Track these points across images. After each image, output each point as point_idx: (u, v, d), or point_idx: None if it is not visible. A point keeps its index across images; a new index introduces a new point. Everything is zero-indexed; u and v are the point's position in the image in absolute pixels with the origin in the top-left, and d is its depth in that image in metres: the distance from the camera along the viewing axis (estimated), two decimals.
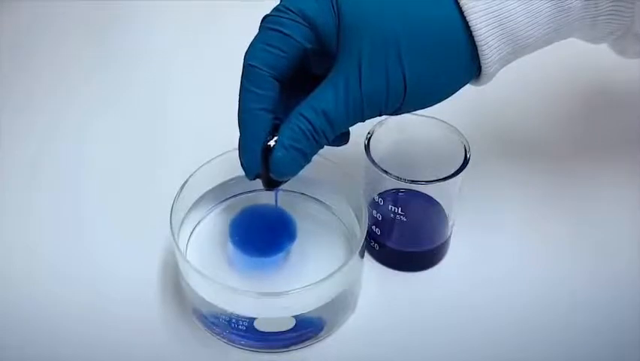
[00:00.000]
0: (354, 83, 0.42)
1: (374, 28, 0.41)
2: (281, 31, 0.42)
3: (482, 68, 0.43)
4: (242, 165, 0.45)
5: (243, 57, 0.44)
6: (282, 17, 0.42)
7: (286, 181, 0.45)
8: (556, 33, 0.44)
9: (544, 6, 0.42)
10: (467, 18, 0.41)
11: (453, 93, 0.44)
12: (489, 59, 0.42)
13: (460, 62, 0.42)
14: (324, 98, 0.42)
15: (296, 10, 0.42)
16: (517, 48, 0.43)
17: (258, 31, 0.44)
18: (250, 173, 0.45)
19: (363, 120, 0.44)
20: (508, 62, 0.44)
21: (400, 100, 0.43)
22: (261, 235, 0.51)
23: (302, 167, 0.44)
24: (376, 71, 0.41)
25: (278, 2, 0.43)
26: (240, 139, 0.45)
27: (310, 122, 0.42)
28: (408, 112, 0.44)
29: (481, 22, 0.41)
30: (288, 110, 0.44)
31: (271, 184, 0.45)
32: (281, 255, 0.50)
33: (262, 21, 0.43)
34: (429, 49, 0.41)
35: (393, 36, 0.41)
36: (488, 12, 0.41)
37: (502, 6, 0.41)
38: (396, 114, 0.44)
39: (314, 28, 0.42)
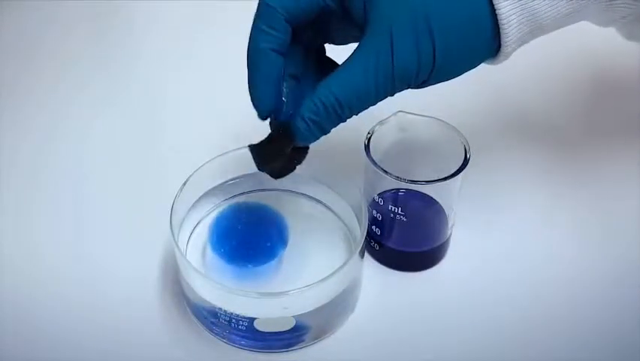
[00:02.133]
0: (385, 58, 0.41)
1: (406, 2, 0.41)
2: None
3: (502, 46, 0.43)
4: (253, 103, 0.44)
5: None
6: None
7: (293, 169, 0.45)
8: (571, 16, 0.44)
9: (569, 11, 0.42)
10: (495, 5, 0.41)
11: (473, 68, 0.44)
12: (509, 38, 0.43)
13: (482, 38, 0.43)
14: (354, 72, 0.42)
15: None
16: (535, 28, 0.43)
17: None
18: (263, 110, 0.44)
19: (392, 95, 0.43)
20: (525, 42, 0.44)
21: (428, 73, 0.42)
22: (249, 240, 0.50)
23: (318, 138, 0.44)
24: (408, 46, 0.41)
25: None
26: (249, 79, 0.44)
27: (336, 98, 0.42)
28: (431, 85, 0.44)
29: (505, 1, 0.41)
30: (300, 99, 0.43)
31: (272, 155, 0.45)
32: (273, 262, 0.50)
33: None
34: (456, 24, 0.42)
35: (423, 10, 0.41)
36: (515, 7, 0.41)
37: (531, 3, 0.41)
38: (422, 87, 0.44)
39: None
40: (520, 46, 0.44)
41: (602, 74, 0.67)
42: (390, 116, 0.52)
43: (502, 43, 0.43)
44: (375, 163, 0.50)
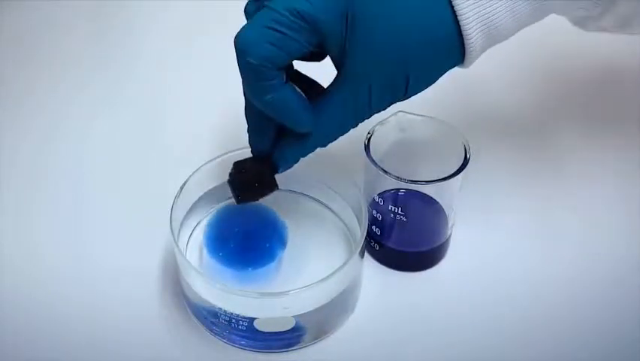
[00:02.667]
0: (363, 104, 0.44)
1: (386, 52, 0.42)
2: (285, 34, 0.41)
3: (465, 58, 0.44)
4: (250, 145, 0.47)
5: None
6: (286, 19, 0.41)
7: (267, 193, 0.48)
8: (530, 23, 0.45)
9: (526, 7, 0.43)
10: (462, 30, 0.42)
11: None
12: (473, 57, 0.44)
13: (451, 59, 0.44)
14: (333, 116, 0.44)
15: (307, 17, 0.41)
16: (495, 42, 0.45)
17: (253, 19, 0.42)
18: (259, 153, 0.47)
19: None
20: (485, 50, 0.45)
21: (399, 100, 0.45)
22: (246, 242, 0.50)
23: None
24: (386, 92, 0.43)
25: None
26: (247, 125, 0.46)
27: (316, 142, 0.45)
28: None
29: (473, 30, 0.42)
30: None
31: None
32: (272, 264, 0.50)
33: (262, 17, 0.42)
34: (431, 60, 0.43)
35: (403, 58, 0.42)
36: (478, 17, 0.42)
37: (490, 10, 0.42)
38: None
39: (321, 36, 0.42)
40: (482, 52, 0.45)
41: (602, 74, 0.67)
42: (390, 116, 0.52)
43: (466, 56, 0.44)
44: (375, 163, 0.50)
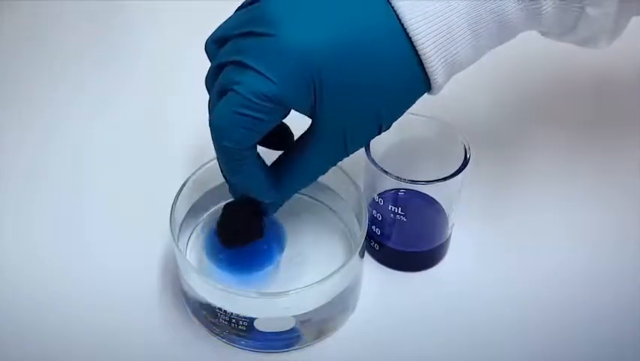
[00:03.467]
0: (340, 152, 0.45)
1: (357, 107, 0.43)
2: (256, 117, 0.42)
3: (432, 88, 0.45)
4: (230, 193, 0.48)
5: None
6: (254, 103, 0.41)
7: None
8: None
9: (489, 42, 0.44)
10: (425, 65, 0.43)
11: None
12: (438, 86, 0.44)
13: (419, 93, 0.45)
14: (312, 169, 0.46)
15: (274, 98, 0.41)
16: (457, 70, 0.45)
17: (223, 103, 0.42)
18: (240, 198, 0.48)
19: None
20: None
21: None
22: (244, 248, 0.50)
23: None
24: (361, 136, 0.45)
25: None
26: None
27: (298, 190, 0.47)
28: None
29: (436, 65, 0.43)
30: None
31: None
32: (271, 267, 0.50)
33: (231, 102, 0.42)
34: (400, 99, 0.44)
35: (374, 106, 0.43)
36: (439, 51, 0.43)
37: (452, 45, 0.43)
38: None
39: (289, 109, 0.43)
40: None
41: (602, 75, 0.67)
42: None
43: (432, 87, 0.44)
44: (375, 163, 0.50)
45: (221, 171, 0.47)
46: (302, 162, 0.45)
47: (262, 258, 0.49)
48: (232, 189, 0.48)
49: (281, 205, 0.48)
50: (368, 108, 0.43)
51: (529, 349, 0.50)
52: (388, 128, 0.45)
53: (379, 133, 0.45)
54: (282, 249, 0.50)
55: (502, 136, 0.63)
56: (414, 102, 0.45)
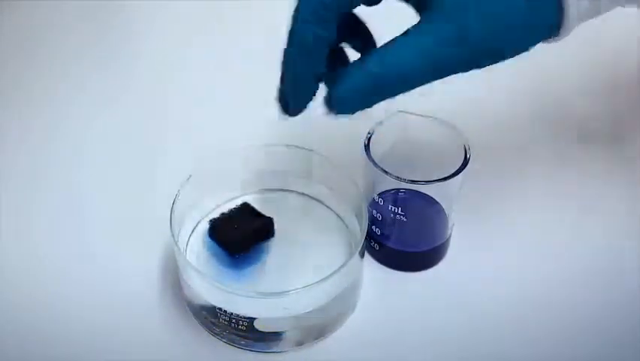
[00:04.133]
0: (463, 34, 0.41)
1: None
2: None
3: (563, 28, 0.43)
4: (287, 100, 0.43)
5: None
6: None
7: None
8: None
9: None
10: None
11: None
12: (571, 21, 0.42)
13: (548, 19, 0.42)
14: (425, 40, 0.41)
15: None
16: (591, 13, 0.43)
17: None
18: (296, 110, 0.43)
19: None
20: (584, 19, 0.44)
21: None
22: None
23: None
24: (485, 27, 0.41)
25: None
26: (288, 74, 0.42)
27: (400, 71, 0.41)
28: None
29: None
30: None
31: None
32: (261, 261, 0.51)
33: None
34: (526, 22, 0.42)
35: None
36: None
37: None
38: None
39: None
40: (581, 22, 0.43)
41: (603, 74, 0.67)
42: (390, 116, 0.52)
43: (564, 24, 0.42)
44: (375, 163, 0.50)
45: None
46: (413, 33, 0.41)
47: (250, 253, 0.51)
48: (295, 87, 0.43)
49: (349, 105, 0.42)
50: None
51: (530, 349, 0.50)
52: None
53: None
54: (272, 234, 0.51)
55: (502, 136, 0.63)
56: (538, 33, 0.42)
